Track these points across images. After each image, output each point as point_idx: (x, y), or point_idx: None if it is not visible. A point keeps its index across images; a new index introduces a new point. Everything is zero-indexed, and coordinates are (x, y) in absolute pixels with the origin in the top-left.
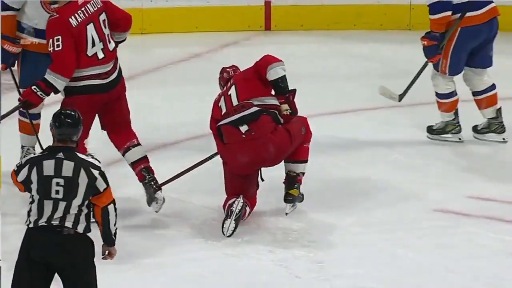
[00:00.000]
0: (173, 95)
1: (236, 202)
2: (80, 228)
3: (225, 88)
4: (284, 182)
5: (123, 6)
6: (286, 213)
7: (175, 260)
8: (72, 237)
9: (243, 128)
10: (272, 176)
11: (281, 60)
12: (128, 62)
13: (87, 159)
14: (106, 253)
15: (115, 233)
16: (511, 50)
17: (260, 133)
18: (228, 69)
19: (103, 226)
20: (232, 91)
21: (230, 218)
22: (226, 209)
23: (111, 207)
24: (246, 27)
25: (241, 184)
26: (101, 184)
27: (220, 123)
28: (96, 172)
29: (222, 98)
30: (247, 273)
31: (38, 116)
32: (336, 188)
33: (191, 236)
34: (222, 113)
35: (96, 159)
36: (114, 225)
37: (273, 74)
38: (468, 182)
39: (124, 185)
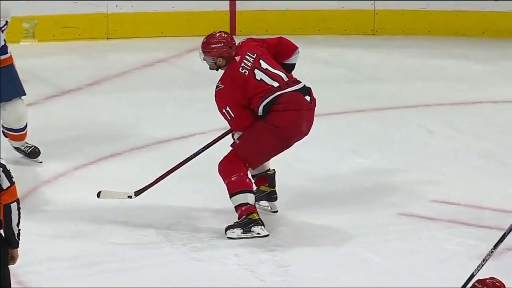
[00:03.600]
0: (139, 100)
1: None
2: None
3: (245, 61)
4: (260, 183)
5: (88, 11)
6: (276, 211)
7: (140, 265)
8: None
9: (307, 98)
10: None
11: None
12: (93, 67)
13: None
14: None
15: (19, 234)
16: (477, 55)
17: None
18: (224, 39)
19: (6, 225)
20: (265, 65)
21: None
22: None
23: (14, 205)
24: (212, 32)
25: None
26: (4, 182)
27: (285, 91)
28: None
29: (258, 71)
30: (212, 278)
31: None
32: (301, 192)
33: (157, 240)
34: (272, 85)
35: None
36: (17, 225)
37: (295, 59)
38: (432, 186)
39: (84, 189)
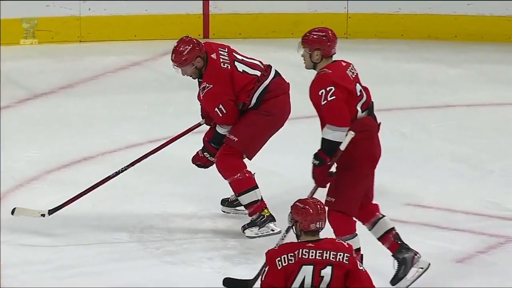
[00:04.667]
0: (112, 103)
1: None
2: None
3: (222, 56)
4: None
5: (61, 14)
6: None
7: (113, 268)
8: None
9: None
10: (207, 184)
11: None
12: (67, 70)
13: None
14: None
15: None
16: (450, 58)
17: None
18: (189, 41)
19: None
20: (239, 56)
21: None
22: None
23: None
24: (185, 35)
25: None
26: None
27: (270, 78)
28: None
29: (238, 63)
30: (186, 281)
31: None
32: (275, 196)
33: (130, 244)
34: (255, 74)
35: None
36: None
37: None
38: (405, 189)
39: (57, 193)
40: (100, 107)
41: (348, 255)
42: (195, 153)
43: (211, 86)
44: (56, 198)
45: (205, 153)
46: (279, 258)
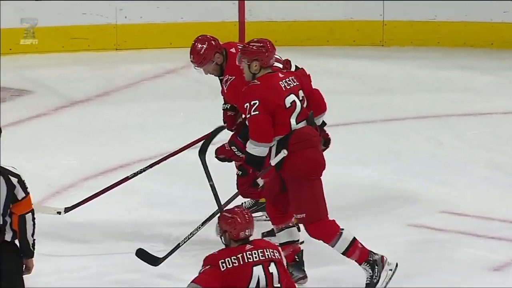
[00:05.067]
0: (147, 111)
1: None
2: (8, 237)
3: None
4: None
5: (97, 22)
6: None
7: (149, 276)
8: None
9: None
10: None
11: None
12: (102, 78)
13: (5, 167)
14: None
15: (33, 244)
16: (485, 66)
17: None
18: (206, 39)
19: (20, 235)
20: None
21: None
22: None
23: (28, 216)
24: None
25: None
26: (19, 192)
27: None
28: (15, 180)
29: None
30: None
31: None
32: None
33: (165, 252)
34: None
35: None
36: (32, 235)
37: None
38: (441, 197)
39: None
40: (135, 115)
41: (279, 252)
42: (220, 146)
43: (234, 77)
44: (91, 205)
45: (232, 147)
46: (222, 260)
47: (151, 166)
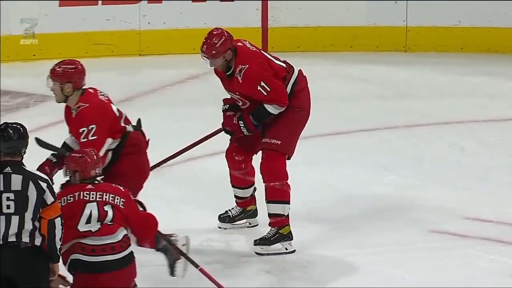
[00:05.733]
0: (171, 117)
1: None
2: (38, 242)
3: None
4: (249, 203)
5: (121, 28)
6: (257, 224)
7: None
8: (30, 250)
9: None
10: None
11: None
12: (126, 84)
13: (35, 172)
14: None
15: (60, 249)
16: (509, 72)
17: None
18: (221, 34)
19: (49, 240)
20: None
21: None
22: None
23: (57, 220)
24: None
25: None
26: (48, 197)
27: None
28: (44, 185)
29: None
30: None
31: None
32: (332, 209)
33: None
34: (282, 64)
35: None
36: (60, 239)
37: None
38: (464, 203)
39: None
40: (159, 121)
41: (124, 200)
42: (229, 116)
43: (247, 65)
44: None
45: (240, 122)
46: (64, 197)
47: (159, 164)
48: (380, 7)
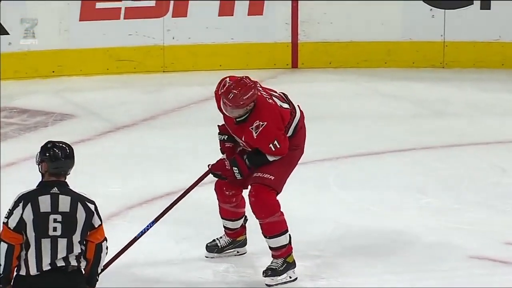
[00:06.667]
0: (196, 136)
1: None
2: (83, 265)
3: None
4: (240, 233)
5: (144, 43)
6: (245, 252)
7: None
8: (76, 273)
9: None
10: None
11: None
12: (149, 102)
13: (82, 194)
14: None
15: (99, 274)
16: None
17: None
18: (249, 83)
19: (93, 264)
20: (268, 91)
21: None
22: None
23: (104, 244)
24: (272, 65)
25: None
26: (96, 220)
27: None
28: (92, 207)
29: (273, 97)
30: None
31: None
32: (366, 232)
33: (213, 283)
34: (287, 107)
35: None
36: (103, 264)
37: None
38: (505, 228)
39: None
40: (184, 140)
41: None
42: (217, 161)
43: (265, 123)
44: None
45: (234, 168)
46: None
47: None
48: (416, 21)
